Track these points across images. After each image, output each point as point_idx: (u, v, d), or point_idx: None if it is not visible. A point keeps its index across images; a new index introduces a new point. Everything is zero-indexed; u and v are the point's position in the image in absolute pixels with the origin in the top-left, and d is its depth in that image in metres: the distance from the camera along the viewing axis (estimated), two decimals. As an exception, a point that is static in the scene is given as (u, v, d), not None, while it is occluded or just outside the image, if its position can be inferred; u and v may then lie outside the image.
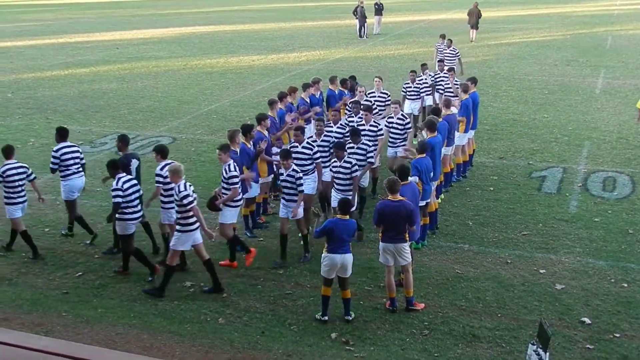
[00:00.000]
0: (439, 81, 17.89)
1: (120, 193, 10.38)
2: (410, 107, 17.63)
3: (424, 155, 11.41)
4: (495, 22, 42.77)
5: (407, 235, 9.66)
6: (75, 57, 32.50)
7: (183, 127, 19.61)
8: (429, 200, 11.71)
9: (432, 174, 11.64)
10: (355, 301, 10.00)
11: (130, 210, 10.53)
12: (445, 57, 21.81)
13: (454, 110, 14.46)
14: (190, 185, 10.10)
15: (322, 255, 9.50)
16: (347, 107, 15.55)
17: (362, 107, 13.99)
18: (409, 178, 11.05)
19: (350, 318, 9.55)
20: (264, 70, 28.37)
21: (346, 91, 16.51)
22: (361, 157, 12.28)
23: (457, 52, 22.55)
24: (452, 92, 16.99)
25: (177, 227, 10.09)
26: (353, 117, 14.15)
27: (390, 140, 14.04)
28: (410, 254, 9.79)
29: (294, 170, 10.99)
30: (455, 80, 17.54)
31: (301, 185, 11.00)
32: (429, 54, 31.82)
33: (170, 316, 9.70)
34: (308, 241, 11.38)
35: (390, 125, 14.08)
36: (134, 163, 11.50)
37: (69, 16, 52.64)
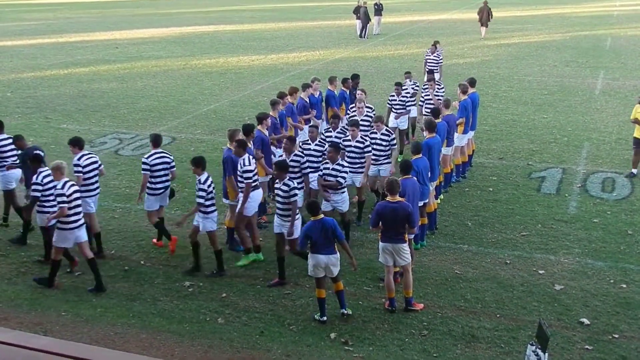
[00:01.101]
0: (426, 89, 16.96)
1: (39, 187, 10.56)
2: (396, 121, 16.22)
3: (420, 155, 11.39)
4: (495, 23, 42.64)
5: (406, 236, 9.66)
6: (75, 56, 32.49)
7: (182, 127, 19.61)
8: (427, 201, 11.71)
9: (430, 174, 11.65)
10: (354, 301, 10.01)
11: (49, 203, 10.59)
12: (428, 62, 21.28)
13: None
14: (72, 185, 10.15)
15: (309, 255, 9.56)
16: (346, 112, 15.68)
17: (349, 122, 13.17)
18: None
19: (346, 312, 9.58)
20: (264, 70, 28.37)
21: (347, 91, 16.52)
22: (331, 180, 11.47)
23: (441, 59, 21.88)
24: (432, 104, 15.80)
25: (58, 224, 10.15)
26: (331, 132, 13.32)
27: (373, 157, 12.78)
28: (410, 254, 9.78)
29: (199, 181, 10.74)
30: (436, 92, 16.53)
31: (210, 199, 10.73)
32: (429, 55, 31.86)
33: (170, 316, 9.71)
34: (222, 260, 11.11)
35: (374, 141, 12.86)
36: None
37: (69, 15, 52.62)
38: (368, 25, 37.69)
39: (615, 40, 36.11)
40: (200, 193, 10.52)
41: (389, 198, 9.53)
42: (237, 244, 11.77)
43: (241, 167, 11.08)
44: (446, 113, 13.91)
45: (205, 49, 34.61)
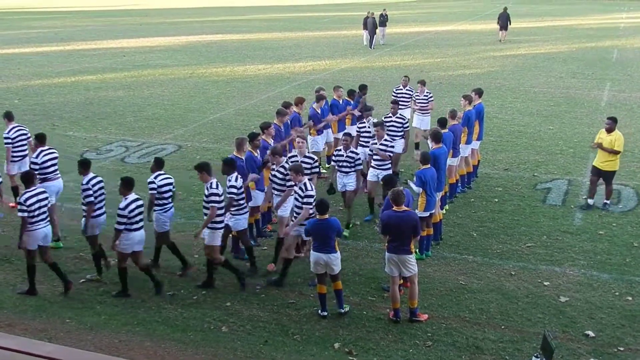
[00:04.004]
0: (389, 125, 14.82)
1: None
2: (343, 181, 12.77)
3: (428, 165, 11.41)
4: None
5: (412, 247, 9.66)
6: (82, 64, 32.66)
7: (188, 135, 19.66)
8: (433, 211, 11.69)
9: (436, 184, 11.64)
10: (359, 311, 10.00)
11: None
12: (400, 99, 17.41)
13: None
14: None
15: (310, 252, 9.86)
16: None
17: (290, 166, 11.15)
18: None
19: (344, 311, 9.79)
20: (270, 80, 28.46)
21: (352, 101, 16.53)
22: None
23: (413, 93, 18.12)
24: (378, 157, 13.27)
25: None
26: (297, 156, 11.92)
27: (294, 218, 10.88)
28: (415, 265, 9.75)
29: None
30: (382, 143, 13.20)
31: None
32: (435, 65, 31.94)
33: (174, 324, 9.71)
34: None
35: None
36: None
37: (77, 24, 52.92)
38: (375, 35, 37.91)
39: (622, 53, 36.10)
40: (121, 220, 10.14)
41: (395, 208, 9.53)
42: (242, 253, 11.76)
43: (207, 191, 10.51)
44: (452, 123, 13.89)
45: (212, 57, 34.75)
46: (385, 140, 13.29)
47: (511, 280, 11.03)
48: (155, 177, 11.05)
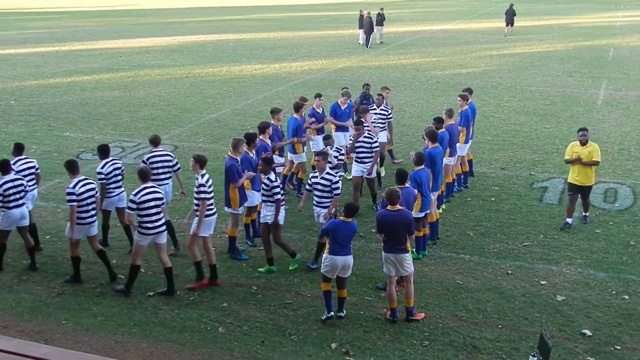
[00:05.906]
0: (358, 145, 13.41)
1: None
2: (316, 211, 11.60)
3: (422, 166, 11.37)
4: (498, 33, 42.87)
5: (408, 246, 9.66)
6: (78, 64, 32.61)
7: (185, 136, 19.64)
8: (428, 211, 11.69)
9: (432, 184, 11.63)
10: (356, 311, 10.00)
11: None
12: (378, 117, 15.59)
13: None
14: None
15: (324, 255, 9.73)
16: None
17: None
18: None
19: (343, 315, 9.80)
20: (266, 79, 28.44)
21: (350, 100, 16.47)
22: None
23: (388, 114, 16.05)
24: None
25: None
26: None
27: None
28: (411, 264, 9.76)
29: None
30: (323, 177, 11.33)
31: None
32: (431, 64, 31.97)
33: (170, 325, 9.69)
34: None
35: None
36: None
37: (73, 24, 52.83)
38: (372, 35, 37.91)
39: (618, 51, 36.16)
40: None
41: (389, 207, 9.53)
42: (239, 254, 11.78)
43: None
44: (449, 122, 13.88)
45: (208, 57, 34.72)
46: (328, 173, 11.36)
47: (508, 279, 11.04)
48: (14, 163, 11.67)
